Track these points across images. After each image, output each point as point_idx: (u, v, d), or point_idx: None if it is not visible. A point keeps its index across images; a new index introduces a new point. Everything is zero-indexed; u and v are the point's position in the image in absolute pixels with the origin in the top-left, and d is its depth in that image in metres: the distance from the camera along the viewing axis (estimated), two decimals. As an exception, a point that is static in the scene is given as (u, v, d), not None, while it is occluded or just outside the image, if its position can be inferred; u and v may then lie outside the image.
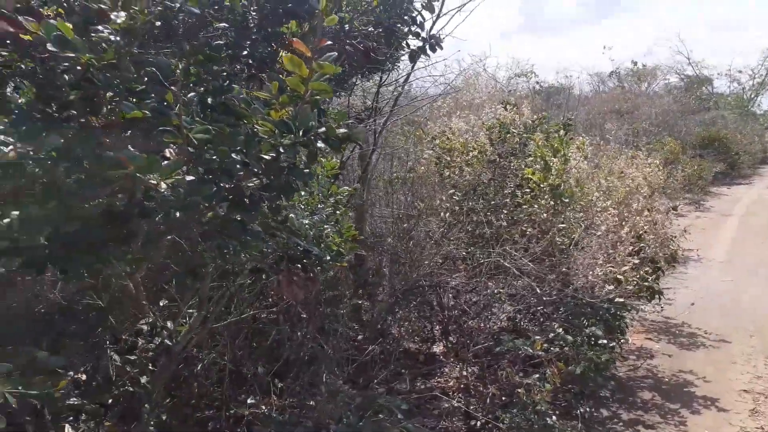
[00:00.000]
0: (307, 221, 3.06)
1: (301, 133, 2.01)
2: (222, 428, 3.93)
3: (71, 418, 2.60)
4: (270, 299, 4.57)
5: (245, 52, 2.52)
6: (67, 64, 1.78)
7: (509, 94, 10.51)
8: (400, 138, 7.28)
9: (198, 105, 2.08)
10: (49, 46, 1.70)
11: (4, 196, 2.05)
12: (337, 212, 3.71)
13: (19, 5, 1.78)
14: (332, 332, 4.85)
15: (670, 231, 8.22)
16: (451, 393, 5.34)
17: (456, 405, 5.00)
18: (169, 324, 3.04)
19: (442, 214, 5.78)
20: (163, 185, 1.77)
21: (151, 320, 2.80)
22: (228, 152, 1.96)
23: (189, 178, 1.84)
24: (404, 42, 2.98)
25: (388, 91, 5.77)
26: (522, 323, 5.85)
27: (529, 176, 5.60)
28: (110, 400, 2.63)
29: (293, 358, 4.29)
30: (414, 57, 3.02)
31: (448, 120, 6.77)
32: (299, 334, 4.59)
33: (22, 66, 1.98)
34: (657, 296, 6.33)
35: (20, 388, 1.48)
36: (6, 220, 1.67)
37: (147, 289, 2.92)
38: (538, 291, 5.16)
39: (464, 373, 5.76)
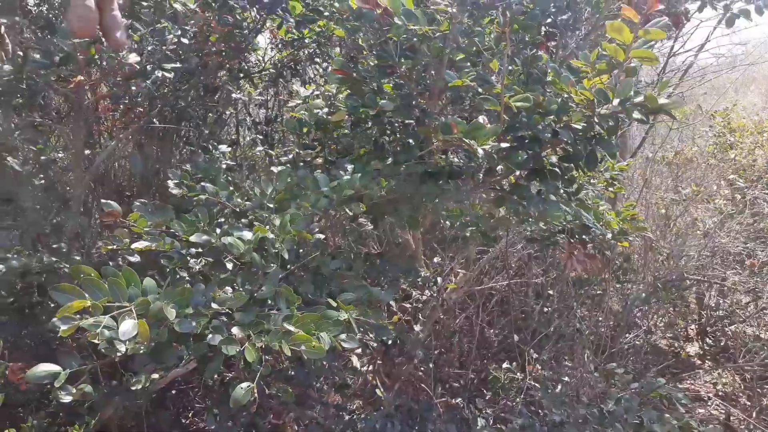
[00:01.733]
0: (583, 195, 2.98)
1: (617, 103, 1.94)
2: (467, 386, 4.12)
3: (359, 350, 2.97)
4: (510, 270, 4.61)
5: (549, 20, 2.49)
6: (405, 35, 1.96)
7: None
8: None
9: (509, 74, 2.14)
10: (396, 19, 1.89)
11: (339, 152, 2.37)
12: (611, 189, 3.54)
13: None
14: (580, 314, 4.71)
15: None
16: (707, 399, 4.84)
17: (714, 413, 4.51)
18: (438, 280, 3.24)
19: (717, 201, 5.14)
20: (480, 150, 1.86)
21: (427, 274, 3.02)
22: (541, 120, 1.99)
23: (504, 144, 1.91)
24: (723, 4, 2.66)
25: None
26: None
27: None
28: (389, 341, 2.91)
29: (541, 333, 4.28)
30: (732, 21, 2.68)
31: (735, 95, 5.93)
32: (547, 309, 4.56)
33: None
34: None
35: (360, 316, 1.72)
36: (352, 175, 1.92)
37: (425, 245, 3.16)
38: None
39: (724, 380, 5.16)
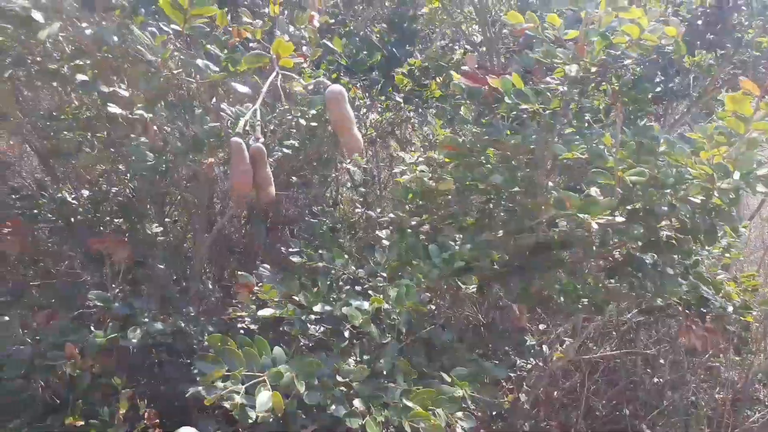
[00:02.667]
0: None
1: (738, 177, 1.88)
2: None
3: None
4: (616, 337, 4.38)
5: (658, 89, 2.47)
6: (514, 112, 2.02)
7: None
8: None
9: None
10: (507, 99, 1.96)
11: (443, 218, 2.43)
12: (727, 255, 3.34)
13: (478, 66, 2.10)
14: (695, 386, 4.38)
15: None
16: None
17: None
18: (544, 347, 3.16)
19: None
20: (594, 225, 1.85)
21: (533, 343, 2.95)
22: (657, 194, 1.95)
23: (619, 218, 1.88)
24: None
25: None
26: None
27: None
28: (494, 412, 2.85)
29: (652, 405, 4.02)
30: None
31: None
32: (658, 380, 4.28)
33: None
34: None
35: (474, 392, 1.72)
36: (462, 246, 1.97)
37: (529, 312, 3.10)
38: None
39: None
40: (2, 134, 4.34)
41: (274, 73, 1.56)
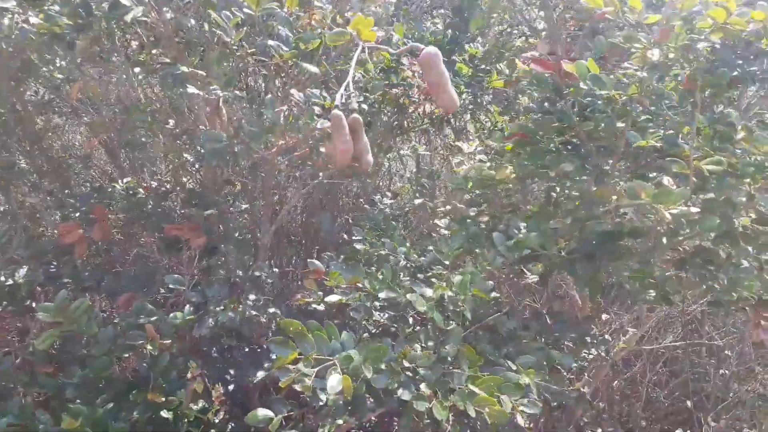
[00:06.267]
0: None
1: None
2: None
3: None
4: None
5: (735, 72, 2.36)
6: (589, 98, 1.98)
7: None
8: None
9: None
10: (582, 84, 1.92)
11: (504, 207, 2.42)
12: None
13: (550, 53, 2.07)
14: (762, 378, 4.21)
15: None
16: None
17: None
18: (607, 337, 3.11)
19: None
20: (668, 215, 1.80)
21: (595, 332, 2.91)
22: (735, 183, 1.88)
23: (694, 209, 1.82)
24: None
25: None
26: None
27: None
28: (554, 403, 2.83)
29: (717, 397, 3.90)
30: None
31: None
32: (724, 373, 4.14)
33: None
34: None
35: (541, 380, 1.72)
36: (527, 233, 1.96)
37: (591, 301, 3.05)
38: None
39: None
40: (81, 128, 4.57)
41: (360, 48, 1.57)
